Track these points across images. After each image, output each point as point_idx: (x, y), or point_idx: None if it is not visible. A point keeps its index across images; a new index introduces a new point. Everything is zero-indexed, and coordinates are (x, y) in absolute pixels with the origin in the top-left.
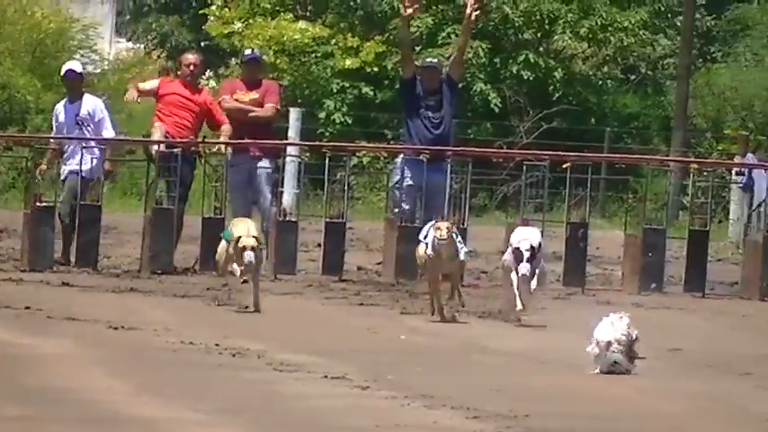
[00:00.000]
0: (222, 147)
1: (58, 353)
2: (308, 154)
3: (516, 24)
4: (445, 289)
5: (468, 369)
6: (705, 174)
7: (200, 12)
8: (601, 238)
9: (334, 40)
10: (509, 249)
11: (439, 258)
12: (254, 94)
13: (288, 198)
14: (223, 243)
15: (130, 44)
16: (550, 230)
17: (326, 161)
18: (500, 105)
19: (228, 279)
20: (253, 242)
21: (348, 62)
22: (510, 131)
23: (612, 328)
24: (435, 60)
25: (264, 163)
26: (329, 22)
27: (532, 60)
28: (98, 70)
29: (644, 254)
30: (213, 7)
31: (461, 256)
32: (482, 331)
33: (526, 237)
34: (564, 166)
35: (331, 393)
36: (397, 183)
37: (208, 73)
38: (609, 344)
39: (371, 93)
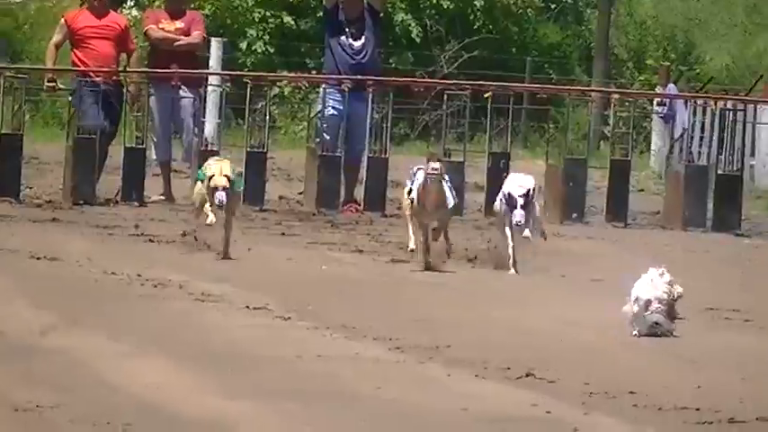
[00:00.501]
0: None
1: None
2: (229, 84)
3: None
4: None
5: (391, 301)
6: (626, 104)
7: None
8: (522, 168)
9: None
10: (500, 196)
11: (425, 207)
12: (180, 24)
13: (209, 128)
14: (198, 184)
15: None
16: (472, 161)
17: (248, 91)
18: (421, 35)
19: (200, 220)
20: (224, 182)
21: None
22: (431, 61)
23: (652, 285)
24: None
25: (187, 92)
26: None
27: None
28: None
29: (565, 184)
30: None
31: (450, 203)
32: (404, 264)
33: (520, 182)
34: (485, 96)
35: (252, 324)
36: (319, 112)
37: (129, 2)
38: (649, 303)
39: (293, 22)
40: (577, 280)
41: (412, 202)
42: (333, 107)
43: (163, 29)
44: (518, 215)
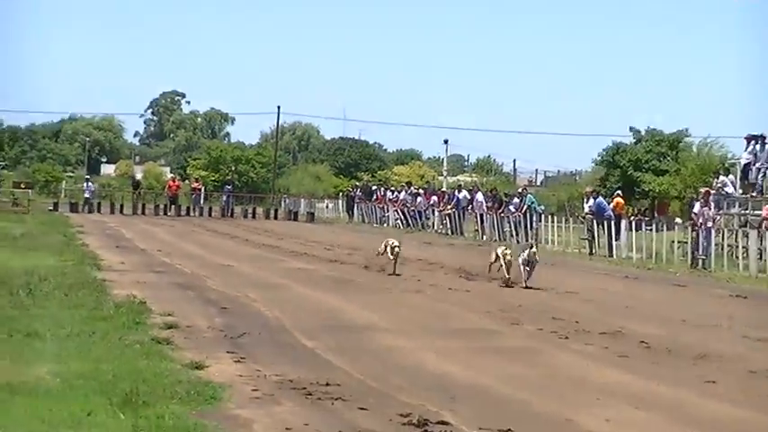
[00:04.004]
0: None
1: None
2: None
3: None
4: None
5: None
6: None
7: None
8: None
9: None
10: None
11: (504, 258)
12: None
13: None
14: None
15: None
16: None
17: None
18: None
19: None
20: (397, 243)
21: None
22: None
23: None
24: None
25: None
26: None
27: None
28: None
29: None
30: None
31: (518, 260)
32: None
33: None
34: None
35: None
36: None
37: None
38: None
39: None
40: None
41: (504, 256)
42: None
43: None
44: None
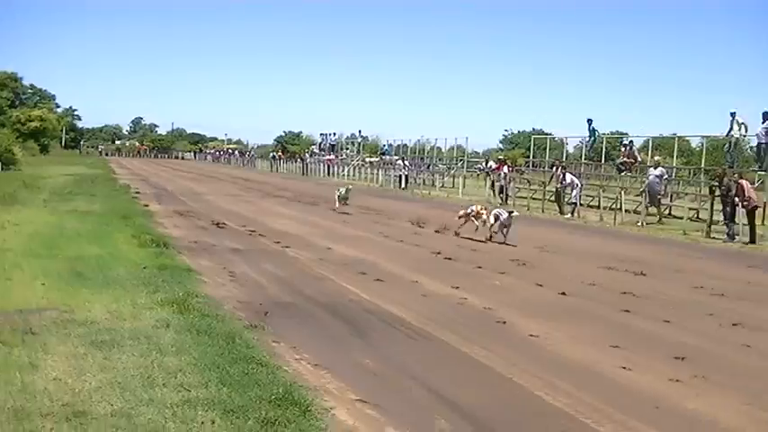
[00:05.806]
0: None
1: None
2: None
3: None
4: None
5: None
6: None
7: None
8: None
9: None
10: (494, 213)
11: (477, 218)
12: None
13: None
14: (336, 193)
15: None
16: None
17: None
18: None
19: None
20: (345, 192)
21: None
22: None
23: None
24: None
25: None
26: None
27: None
28: None
29: None
30: None
31: (488, 221)
32: None
33: (508, 210)
34: None
35: None
36: None
37: None
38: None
39: None
40: None
41: (497, 219)
42: None
43: None
44: (507, 221)
